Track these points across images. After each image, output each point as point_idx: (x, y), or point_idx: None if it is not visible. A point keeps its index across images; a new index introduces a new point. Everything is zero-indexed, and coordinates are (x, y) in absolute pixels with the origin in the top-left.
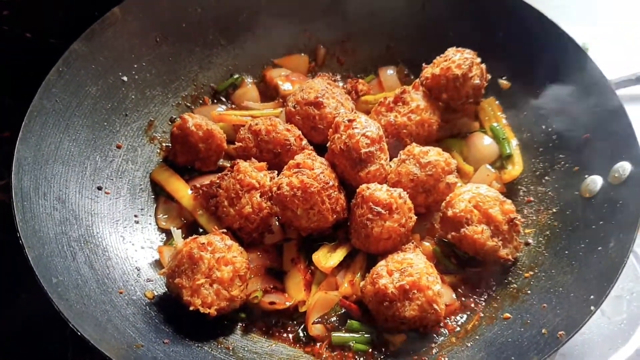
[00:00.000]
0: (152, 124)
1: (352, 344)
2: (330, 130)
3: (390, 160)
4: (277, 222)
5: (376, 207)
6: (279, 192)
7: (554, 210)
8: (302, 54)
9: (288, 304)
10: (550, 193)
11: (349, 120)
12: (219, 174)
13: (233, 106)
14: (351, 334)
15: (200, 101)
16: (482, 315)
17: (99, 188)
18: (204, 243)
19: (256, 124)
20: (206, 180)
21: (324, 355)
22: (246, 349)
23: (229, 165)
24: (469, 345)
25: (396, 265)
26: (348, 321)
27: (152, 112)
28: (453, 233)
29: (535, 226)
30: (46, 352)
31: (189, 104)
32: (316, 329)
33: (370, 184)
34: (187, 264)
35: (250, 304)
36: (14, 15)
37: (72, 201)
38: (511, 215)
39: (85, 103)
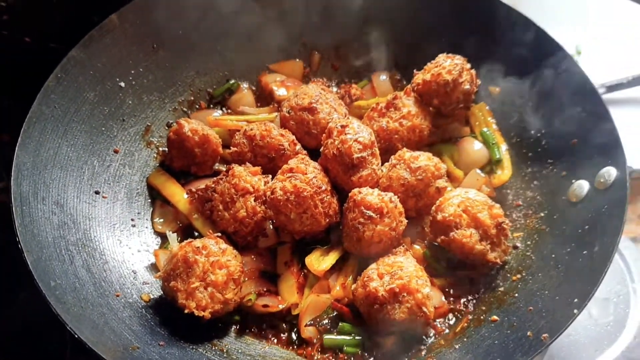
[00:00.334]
0: (149, 129)
1: (343, 347)
2: (324, 135)
3: (381, 164)
4: (271, 226)
5: (368, 211)
6: (272, 196)
7: (542, 214)
8: (297, 60)
9: (281, 306)
10: (538, 197)
11: (342, 126)
12: (214, 179)
13: (229, 111)
14: (342, 336)
15: (197, 106)
16: (470, 317)
17: (97, 192)
18: (198, 247)
19: (251, 129)
20: (202, 184)
21: (316, 357)
22: (240, 351)
23: (224, 169)
24: (457, 347)
25: (387, 269)
26: (340, 324)
27: (149, 117)
28: (442, 237)
29: (523, 230)
30: (45, 352)
31: (185, 109)
32: (308, 332)
33: (362, 188)
34: (182, 268)
35: (244, 306)
36: (13, 19)
37: (70, 205)
38: (499, 219)
39: (83, 109)
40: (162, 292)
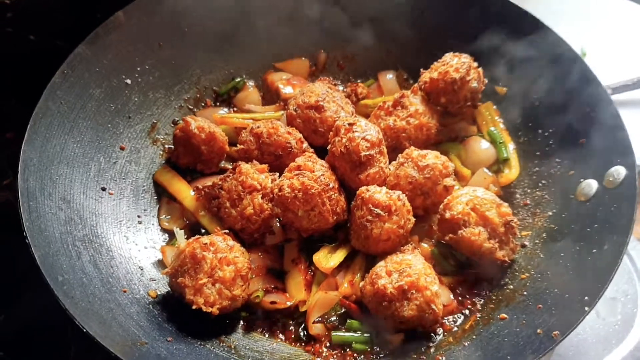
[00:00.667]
0: (155, 126)
1: (352, 344)
2: (331, 133)
3: (389, 163)
4: (278, 223)
5: (376, 209)
6: (280, 193)
7: (550, 213)
8: (303, 58)
9: (289, 303)
10: (546, 196)
11: (350, 124)
12: (221, 176)
13: (235, 109)
14: (351, 333)
15: (203, 104)
16: (479, 315)
17: (103, 189)
18: (206, 243)
19: (258, 127)
20: (208, 181)
21: (324, 354)
22: (247, 347)
23: (230, 167)
24: (466, 344)
25: (395, 266)
26: (348, 321)
27: (155, 115)
28: (451, 235)
29: (531, 229)
30: (48, 351)
31: (191, 107)
32: (316, 328)
33: (369, 186)
34: (190, 264)
35: (251, 303)
36: (18, 17)
37: (76, 201)
38: (508, 217)
39: (89, 105)
40: (169, 288)
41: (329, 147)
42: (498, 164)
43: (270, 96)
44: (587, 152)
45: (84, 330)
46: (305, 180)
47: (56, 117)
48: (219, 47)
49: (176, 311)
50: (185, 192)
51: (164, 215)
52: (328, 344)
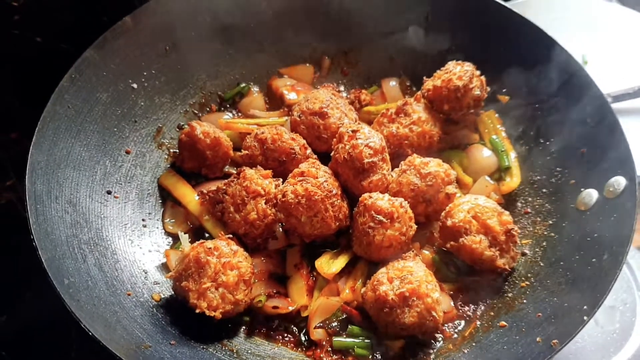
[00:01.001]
0: (160, 130)
1: (352, 349)
2: (334, 140)
3: (391, 170)
4: (280, 229)
5: (378, 216)
6: (284, 199)
7: (551, 222)
8: (307, 65)
9: (291, 308)
10: (547, 205)
11: (353, 131)
12: (226, 181)
13: (239, 114)
14: (352, 339)
15: (208, 109)
16: (478, 323)
17: (109, 192)
18: (210, 248)
19: (262, 133)
20: (212, 186)
21: (325, 359)
22: (249, 351)
23: (234, 172)
24: (466, 351)
25: (396, 273)
26: (349, 326)
27: (160, 119)
28: (452, 242)
29: (532, 237)
30: (50, 352)
31: (196, 112)
32: (318, 334)
33: (372, 193)
34: (194, 268)
35: (254, 307)
36: (24, 19)
37: (82, 205)
38: (509, 226)
39: (96, 109)
40: (172, 292)
41: (332, 153)
42: (499, 172)
43: (275, 102)
44: (587, 161)
45: (90, 333)
46: (309, 187)
47: (64, 120)
48: (225, 52)
49: (179, 315)
50: (189, 196)
51: (168, 219)
52: (329, 349)
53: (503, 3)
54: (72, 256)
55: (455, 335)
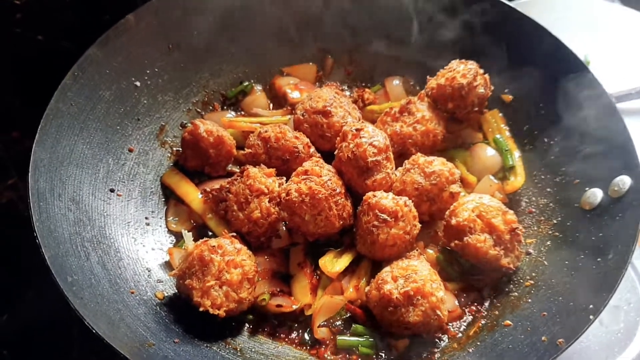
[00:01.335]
0: (163, 128)
1: (356, 348)
2: (338, 138)
3: (395, 169)
4: (284, 227)
5: (382, 215)
6: (287, 197)
7: (555, 221)
8: (311, 63)
9: (294, 307)
10: (551, 204)
11: (357, 130)
12: (229, 179)
13: (242, 113)
14: (356, 338)
15: (210, 107)
16: (483, 322)
17: (112, 190)
18: (214, 246)
19: (266, 131)
20: (216, 184)
21: (329, 358)
22: (253, 350)
23: (237, 170)
24: (471, 351)
25: (401, 272)
26: (353, 325)
27: (163, 117)
28: (456, 241)
29: (536, 236)
30: (52, 351)
31: (199, 110)
32: (321, 332)
33: (376, 191)
34: (198, 266)
35: (257, 306)
36: (26, 18)
37: (85, 202)
38: (513, 225)
39: (99, 107)
40: (176, 290)
41: (336, 152)
42: (503, 172)
43: (278, 100)
44: (592, 161)
45: (94, 331)
46: (313, 185)
47: (66, 118)
48: (228, 51)
49: (183, 313)
50: (192, 194)
51: (171, 217)
52: (333, 348)
53: (507, 2)
54: (75, 254)
55: (460, 335)
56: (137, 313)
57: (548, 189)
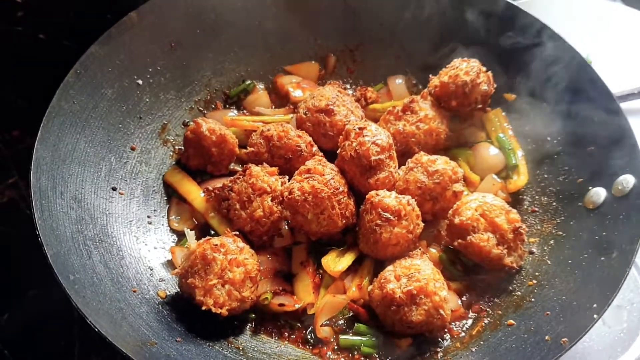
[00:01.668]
0: (165, 127)
1: (359, 347)
2: (341, 137)
3: (398, 167)
4: (286, 226)
5: (385, 214)
6: (290, 196)
7: (558, 220)
8: (313, 62)
9: (297, 306)
10: (554, 203)
11: (360, 128)
12: (232, 178)
13: (244, 111)
14: (358, 337)
15: (213, 106)
16: (486, 321)
17: (114, 189)
18: (217, 245)
19: (268, 130)
20: (218, 183)
21: (331, 357)
22: (255, 349)
23: (239, 169)
24: (474, 350)
25: (404, 271)
26: (355, 324)
27: (165, 116)
28: (459, 240)
29: (539, 236)
30: (53, 350)
31: (201, 109)
32: (324, 331)
33: (379, 190)
34: (201, 265)
35: (260, 305)
36: (28, 16)
37: (87, 201)
38: (516, 224)
39: (101, 105)
40: (178, 289)
41: (338, 150)
42: (507, 171)
43: (280, 99)
44: (595, 160)
45: (96, 330)
46: (316, 184)
47: (68, 116)
48: (230, 49)
49: (185, 312)
50: (195, 193)
51: (173, 216)
52: (335, 347)
53: (510, 1)
54: (77, 252)
55: (463, 334)
56: (139, 312)
57: (551, 188)
